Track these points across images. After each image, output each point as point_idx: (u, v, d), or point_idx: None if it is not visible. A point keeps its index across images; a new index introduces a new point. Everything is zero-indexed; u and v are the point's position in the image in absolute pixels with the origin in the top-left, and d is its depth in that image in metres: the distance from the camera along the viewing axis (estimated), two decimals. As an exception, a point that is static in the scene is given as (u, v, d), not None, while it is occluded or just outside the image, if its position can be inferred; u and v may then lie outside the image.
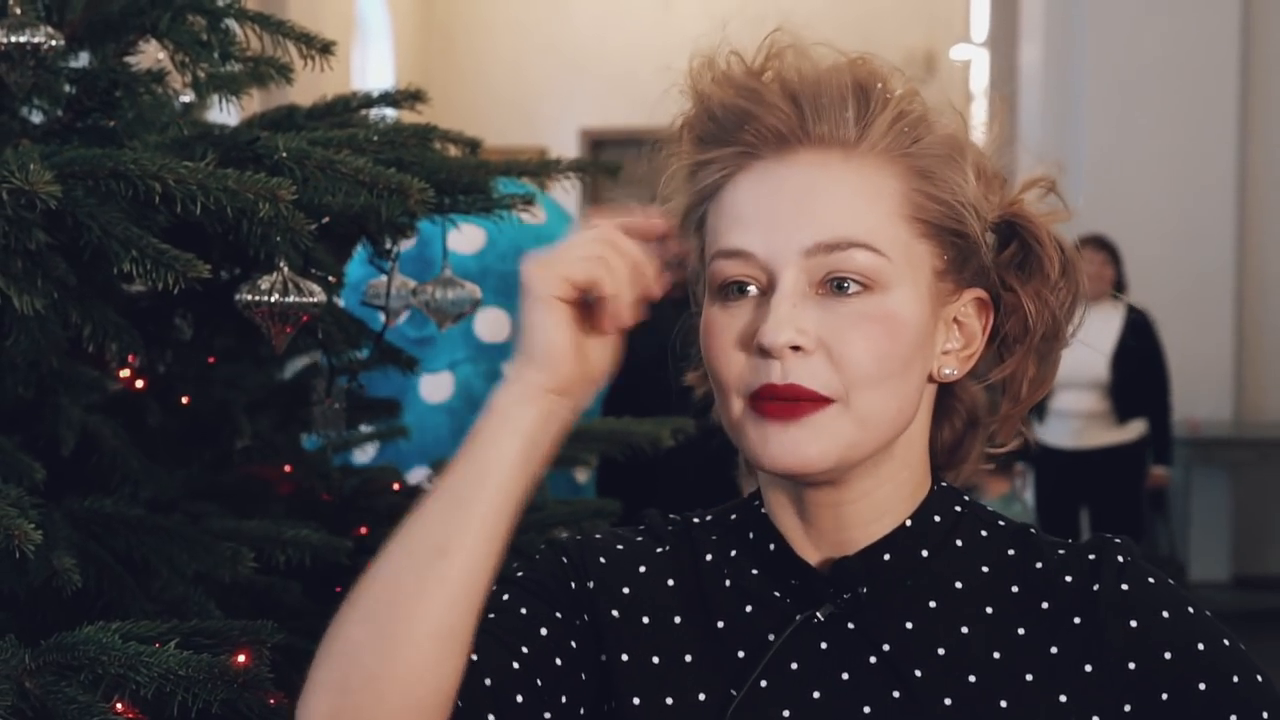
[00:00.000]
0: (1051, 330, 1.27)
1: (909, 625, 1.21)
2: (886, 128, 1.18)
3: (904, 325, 1.17)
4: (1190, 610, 1.20)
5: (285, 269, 1.57)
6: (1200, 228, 7.07)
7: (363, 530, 2.23)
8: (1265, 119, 7.24)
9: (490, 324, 3.15)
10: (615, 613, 1.25)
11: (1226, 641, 1.20)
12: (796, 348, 1.14)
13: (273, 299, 1.56)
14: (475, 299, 2.02)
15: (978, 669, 1.19)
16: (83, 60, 1.73)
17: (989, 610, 1.21)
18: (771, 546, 1.25)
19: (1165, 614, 1.19)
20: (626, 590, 1.26)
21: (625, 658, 1.24)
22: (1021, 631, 1.20)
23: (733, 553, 1.28)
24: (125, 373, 2.09)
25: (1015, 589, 1.22)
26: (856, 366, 1.15)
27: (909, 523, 1.23)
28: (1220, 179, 7.20)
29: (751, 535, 1.27)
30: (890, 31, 13.00)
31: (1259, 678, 1.19)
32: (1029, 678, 1.18)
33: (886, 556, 1.22)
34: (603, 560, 1.28)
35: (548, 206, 3.32)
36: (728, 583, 1.26)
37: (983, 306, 1.24)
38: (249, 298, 1.57)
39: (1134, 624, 1.18)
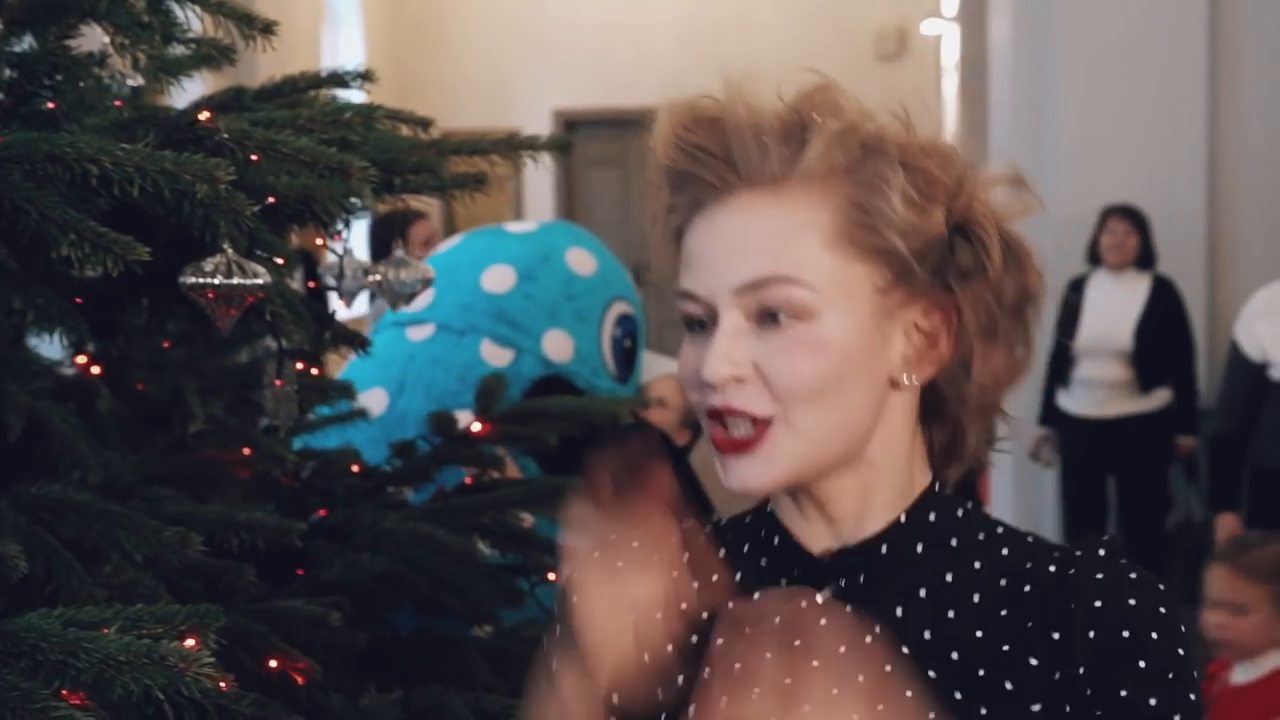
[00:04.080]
0: (1015, 314, 1.31)
1: (899, 611, 1.28)
2: (817, 159, 1.25)
3: (835, 347, 1.24)
4: (1162, 610, 1.25)
5: (229, 251, 1.57)
6: (1171, 202, 7.05)
7: (322, 512, 2.23)
8: (1235, 93, 7.24)
9: (491, 354, 3.17)
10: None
11: (1183, 652, 1.24)
12: (737, 379, 1.24)
13: (216, 281, 1.56)
14: (428, 279, 2.01)
15: (961, 648, 1.26)
16: (25, 44, 1.72)
17: (976, 598, 1.28)
18: (776, 540, 1.34)
19: (1132, 601, 1.24)
20: None
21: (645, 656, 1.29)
22: (1004, 613, 1.27)
23: (745, 548, 1.37)
24: (81, 359, 2.09)
25: (1003, 582, 1.29)
26: (787, 388, 1.24)
27: (903, 519, 1.31)
28: (1191, 152, 7.20)
29: (762, 532, 1.36)
30: (862, 7, 13.02)
31: (1193, 696, 1.24)
32: (1005, 648, 1.25)
33: (884, 549, 1.30)
34: None
35: (599, 255, 3.34)
36: (739, 575, 1.33)
37: (941, 308, 1.29)
38: (193, 280, 1.57)
39: (1099, 604, 1.24)
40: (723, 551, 1.35)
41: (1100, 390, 6.43)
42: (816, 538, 1.32)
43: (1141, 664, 1.22)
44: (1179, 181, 7.18)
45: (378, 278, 2.00)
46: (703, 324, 1.27)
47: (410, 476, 2.32)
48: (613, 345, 3.27)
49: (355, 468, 2.34)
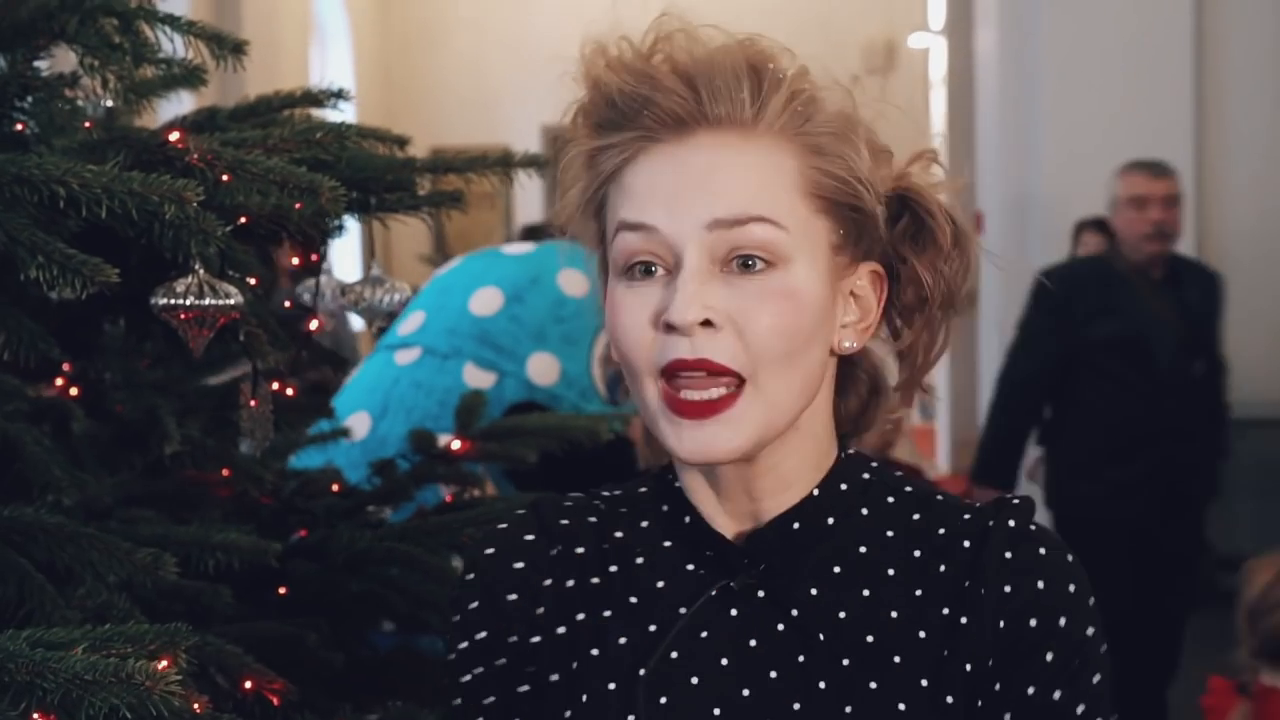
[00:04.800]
0: (947, 299, 1.29)
1: (814, 591, 1.24)
2: (781, 107, 1.20)
3: (806, 300, 1.19)
4: (1071, 588, 1.23)
5: (201, 271, 1.56)
6: (1158, 211, 7.07)
7: (302, 532, 2.23)
8: (1220, 102, 7.26)
9: (474, 378, 3.17)
10: (537, 638, 1.28)
11: (1090, 630, 1.23)
12: (706, 323, 1.16)
13: (188, 302, 1.56)
14: (405, 298, 2.01)
15: (876, 629, 1.23)
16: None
17: (890, 573, 1.25)
18: (686, 519, 1.28)
19: (1040, 584, 1.23)
20: (541, 610, 1.29)
21: (555, 677, 1.27)
22: (919, 593, 1.24)
23: (644, 524, 1.30)
24: (59, 381, 2.08)
25: (917, 553, 1.26)
26: (764, 343, 1.17)
27: (816, 492, 1.26)
28: (1177, 163, 7.20)
29: (666, 509, 1.30)
30: (850, 21, 13.04)
31: (1097, 676, 1.23)
32: (921, 635, 1.23)
33: (796, 525, 1.25)
34: (512, 597, 1.29)
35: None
36: (639, 559, 1.29)
37: (878, 279, 1.27)
38: (164, 301, 1.56)
39: (1008, 589, 1.22)
40: (618, 533, 1.30)
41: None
42: (731, 516, 1.26)
43: (1048, 656, 1.21)
44: (1166, 192, 7.19)
45: (355, 297, 2.00)
46: (649, 268, 1.20)
47: (390, 495, 2.31)
48: (605, 367, 3.26)
49: (335, 487, 2.33)
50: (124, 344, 2.08)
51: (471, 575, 1.32)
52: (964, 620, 1.22)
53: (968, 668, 1.21)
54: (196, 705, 1.40)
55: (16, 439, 1.67)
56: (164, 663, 1.32)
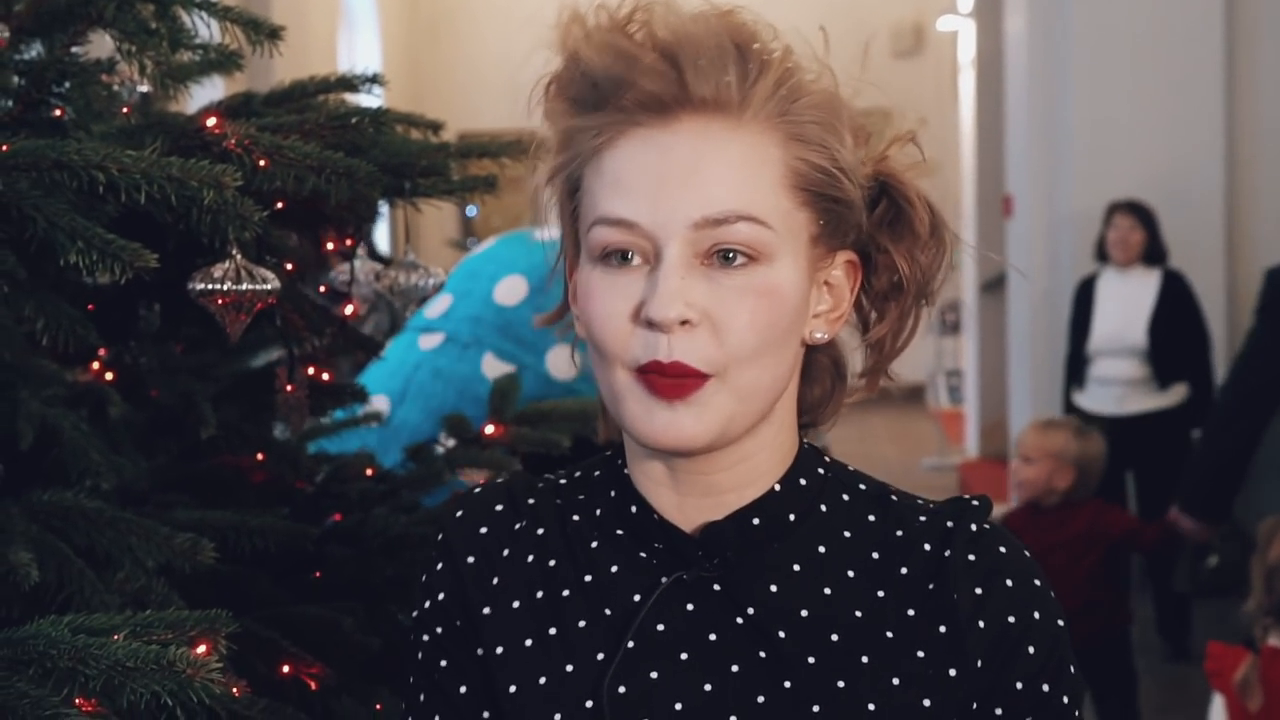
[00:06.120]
0: (922, 288, 1.27)
1: (774, 588, 1.22)
2: (769, 92, 1.16)
3: (786, 296, 1.17)
4: (1036, 583, 1.25)
5: (238, 256, 1.57)
6: (1188, 194, 7.05)
7: (337, 516, 2.23)
8: (1251, 85, 7.22)
9: (493, 369, 3.17)
10: (487, 609, 1.27)
11: (1060, 622, 1.25)
12: (684, 321, 1.14)
13: (225, 287, 1.56)
14: (439, 283, 2.01)
15: (840, 629, 1.21)
16: (34, 52, 1.72)
17: (850, 574, 1.24)
18: (632, 509, 1.26)
19: (1009, 582, 1.24)
20: (495, 580, 1.27)
21: (500, 650, 1.25)
22: (881, 594, 1.23)
23: (598, 512, 1.28)
24: (95, 366, 2.09)
25: (876, 555, 1.25)
26: (740, 339, 1.15)
27: (778, 487, 1.24)
28: (1208, 145, 7.18)
29: (613, 494, 1.28)
30: (878, 3, 13.00)
31: (1071, 668, 1.25)
32: (889, 635, 1.22)
33: (756, 521, 1.23)
34: (470, 560, 1.28)
35: None
36: (595, 544, 1.27)
37: (852, 267, 1.25)
38: (202, 286, 1.57)
39: (979, 591, 1.23)
40: (575, 516, 1.29)
41: (1117, 388, 6.39)
42: (682, 508, 1.23)
43: (1030, 649, 1.22)
44: (1196, 174, 7.16)
45: (389, 282, 2.00)
46: (626, 255, 1.16)
47: (424, 480, 2.31)
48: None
49: (369, 471, 2.34)
50: (160, 329, 2.08)
51: (441, 536, 1.31)
52: (942, 629, 1.22)
53: (952, 673, 1.21)
54: (235, 690, 1.40)
55: (55, 424, 1.68)
56: (202, 648, 1.33)
